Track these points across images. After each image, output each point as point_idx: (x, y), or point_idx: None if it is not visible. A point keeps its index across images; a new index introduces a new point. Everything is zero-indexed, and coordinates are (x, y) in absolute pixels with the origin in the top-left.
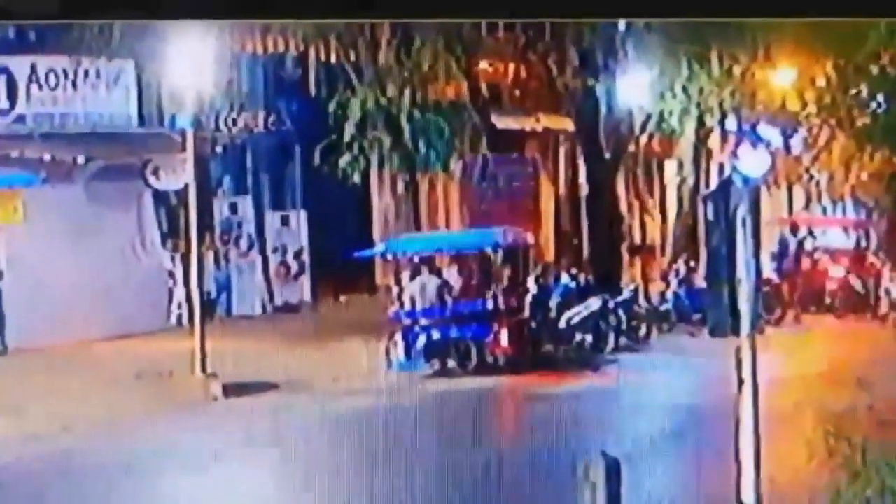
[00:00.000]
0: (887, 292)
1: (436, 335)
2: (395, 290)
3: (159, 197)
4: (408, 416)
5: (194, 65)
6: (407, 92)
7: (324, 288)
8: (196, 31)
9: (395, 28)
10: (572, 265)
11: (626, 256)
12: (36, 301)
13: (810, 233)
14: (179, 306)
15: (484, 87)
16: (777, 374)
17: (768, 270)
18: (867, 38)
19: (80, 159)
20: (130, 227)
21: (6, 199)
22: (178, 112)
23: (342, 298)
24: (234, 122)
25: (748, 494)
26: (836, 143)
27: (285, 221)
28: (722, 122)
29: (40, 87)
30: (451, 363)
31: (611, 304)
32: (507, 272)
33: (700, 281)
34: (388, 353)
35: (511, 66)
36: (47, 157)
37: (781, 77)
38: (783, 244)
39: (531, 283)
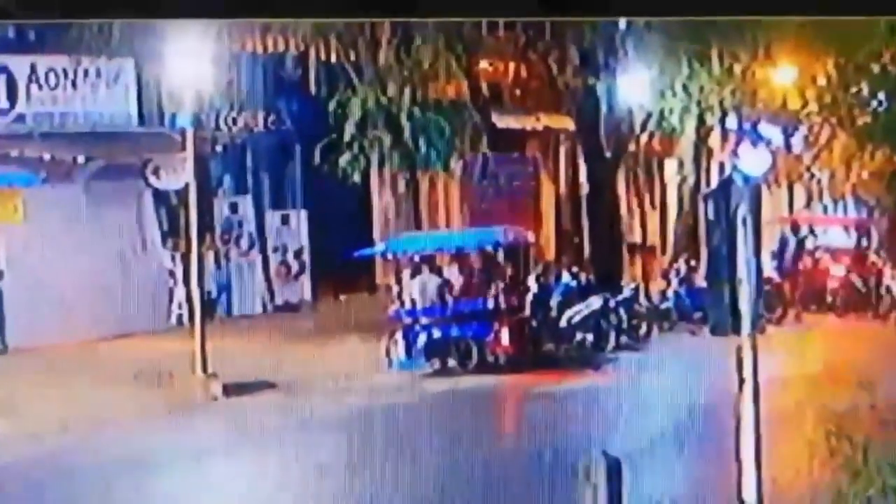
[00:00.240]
0: (888, 291)
1: (436, 334)
2: (395, 289)
3: (159, 196)
4: (408, 416)
5: (194, 64)
6: (407, 91)
7: (324, 287)
8: (196, 30)
9: (395, 27)
10: (573, 264)
11: (626, 255)
12: (36, 301)
13: (811, 231)
14: (180, 306)
15: (484, 86)
16: (778, 374)
17: (769, 269)
18: (868, 37)
19: (80, 159)
20: (130, 226)
21: (6, 199)
22: (178, 111)
23: (342, 297)
24: (235, 121)
25: (749, 493)
26: (836, 142)
27: (285, 221)
28: (722, 121)
29: (40, 86)
30: (452, 362)
31: (611, 303)
32: (507, 271)
33: (701, 280)
34: (388, 352)
35: (511, 65)
36: (47, 156)
37: (782, 75)
38: (784, 243)
39: (532, 282)
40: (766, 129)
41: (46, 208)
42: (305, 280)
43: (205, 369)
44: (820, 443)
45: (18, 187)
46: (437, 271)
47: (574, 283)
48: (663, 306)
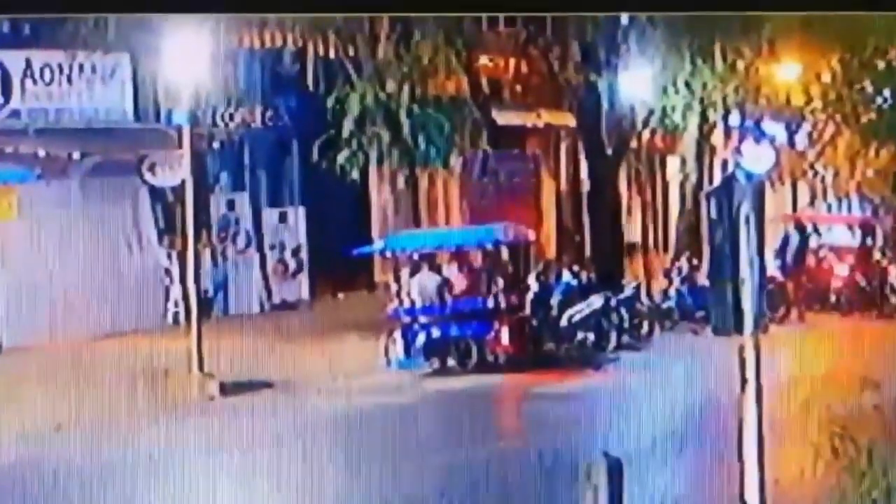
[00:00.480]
0: (893, 290)
1: (435, 333)
2: (394, 287)
3: (155, 193)
4: (407, 415)
5: (191, 60)
6: (406, 87)
7: (322, 285)
8: (193, 25)
9: (394, 22)
10: (574, 262)
11: (627, 254)
12: (30, 299)
13: (815, 230)
14: (176, 304)
15: (484, 82)
16: (781, 374)
17: (772, 268)
18: (873, 33)
19: (76, 155)
20: (126, 224)
21: (0, 195)
22: (175, 107)
23: (341, 296)
24: (231, 117)
25: (752, 495)
26: (841, 139)
27: (283, 218)
28: (725, 118)
29: (35, 81)
30: (451, 361)
31: (613, 302)
32: (507, 269)
33: (703, 279)
34: (387, 351)
35: (512, 61)
36: (42, 152)
37: (786, 72)
38: (787, 241)
39: (532, 281)
40: (769, 126)
41: (41, 205)
42: (303, 278)
43: (201, 368)
44: (824, 443)
45: (13, 184)
46: (437, 269)
47: (575, 282)
48: (665, 305)
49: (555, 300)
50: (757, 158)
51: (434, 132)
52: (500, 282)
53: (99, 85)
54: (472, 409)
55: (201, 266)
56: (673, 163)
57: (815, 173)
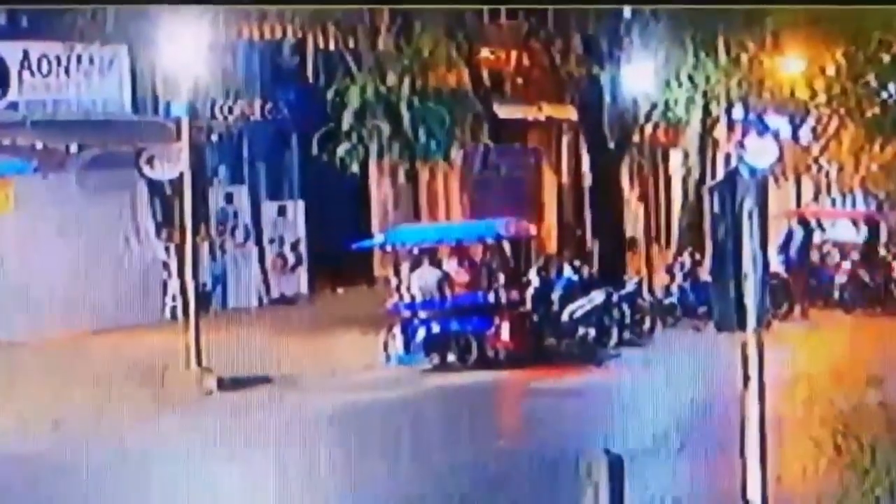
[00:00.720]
0: None
1: (435, 328)
2: (394, 282)
3: (153, 186)
4: (406, 411)
5: (190, 51)
6: (407, 80)
7: (321, 280)
8: (191, 16)
9: (394, 14)
10: (575, 257)
11: (629, 249)
12: (26, 292)
13: (819, 225)
14: (174, 298)
15: (486, 74)
16: (784, 370)
17: (775, 264)
18: (878, 26)
19: (73, 147)
20: (124, 217)
21: None
22: (173, 99)
23: (340, 290)
24: (231, 110)
25: (754, 493)
26: (845, 134)
27: (282, 212)
28: (729, 112)
29: (32, 73)
30: (451, 357)
31: (614, 298)
32: (508, 264)
33: (705, 274)
34: (386, 346)
35: (513, 54)
36: (39, 144)
37: (790, 65)
38: (791, 237)
39: (533, 276)
40: (773, 119)
41: (38, 198)
42: (302, 272)
43: (199, 363)
44: (826, 441)
45: (10, 176)
46: (437, 264)
47: (576, 277)
48: (667, 301)
49: (556, 295)
50: (760, 152)
51: (435, 125)
52: (501, 277)
53: (97, 77)
54: (472, 405)
55: (199, 260)
56: (675, 157)
57: (819, 168)
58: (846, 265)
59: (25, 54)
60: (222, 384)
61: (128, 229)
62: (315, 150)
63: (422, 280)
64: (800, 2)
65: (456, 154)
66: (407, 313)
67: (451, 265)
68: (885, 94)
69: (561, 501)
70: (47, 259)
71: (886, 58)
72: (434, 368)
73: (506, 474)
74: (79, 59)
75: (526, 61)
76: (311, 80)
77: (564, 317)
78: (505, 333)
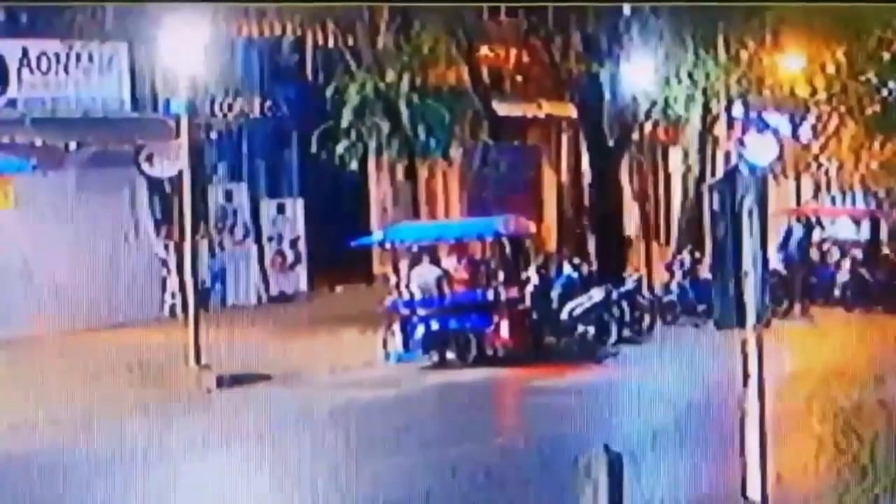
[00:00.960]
0: None
1: (435, 326)
2: (393, 279)
3: (153, 184)
4: (406, 409)
5: (189, 48)
6: (406, 77)
7: (320, 277)
8: (191, 14)
9: (394, 12)
10: (575, 255)
11: (629, 246)
12: (25, 290)
13: (819, 223)
14: (173, 296)
15: (485, 72)
16: (784, 368)
17: (775, 262)
18: (879, 24)
19: (72, 145)
20: (123, 214)
21: None
22: (173, 97)
23: (339, 288)
24: (230, 107)
25: (754, 490)
26: (845, 131)
27: (281, 209)
28: (728, 109)
29: (32, 71)
30: (451, 355)
31: (614, 296)
32: (508, 262)
33: (705, 272)
34: (385, 344)
35: (513, 51)
36: (38, 142)
37: (790, 63)
38: (790, 235)
39: (533, 274)
40: (773, 117)
41: (37, 195)
42: (301, 270)
43: (198, 361)
44: (827, 439)
45: (9, 174)
46: (436, 261)
47: (576, 275)
48: (667, 299)
49: (555, 293)
50: (760, 150)
51: (434, 123)
52: (501, 274)
53: (96, 74)
54: (471, 402)
55: (198, 258)
56: (675, 154)
57: (819, 166)
58: (846, 263)
59: (25, 52)
60: (221, 382)
61: (127, 227)
62: (314, 148)
63: (421, 278)
64: None
65: (455, 151)
66: (406, 311)
67: (450, 263)
68: (885, 92)
69: (560, 499)
70: (46, 257)
71: (887, 55)
72: (433, 366)
73: (505, 472)
74: (78, 56)
75: (525, 59)
76: (310, 78)
77: (564, 314)
78: (504, 331)
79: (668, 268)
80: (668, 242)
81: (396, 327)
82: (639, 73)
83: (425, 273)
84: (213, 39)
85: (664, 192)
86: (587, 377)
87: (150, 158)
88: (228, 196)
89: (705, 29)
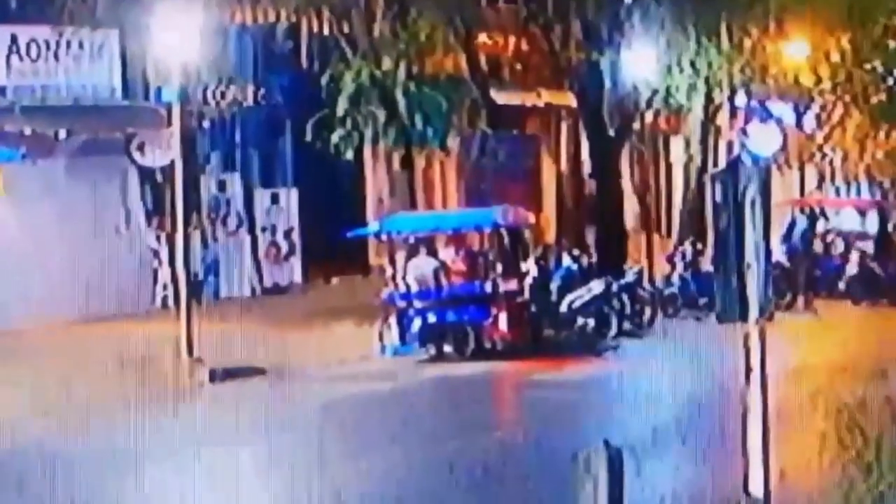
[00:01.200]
0: None
1: (431, 318)
2: (389, 271)
3: (144, 173)
4: (402, 403)
5: (181, 35)
6: (403, 65)
7: (315, 269)
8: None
9: None
10: (574, 246)
11: (629, 238)
12: (14, 281)
13: (823, 214)
14: (165, 287)
15: (483, 60)
16: (787, 363)
17: (778, 254)
18: (884, 12)
19: (62, 133)
20: (114, 204)
21: None
22: (164, 85)
23: (334, 280)
24: (223, 95)
25: (756, 486)
26: (850, 121)
27: (275, 199)
28: (731, 98)
29: (21, 58)
30: (448, 348)
31: (614, 288)
32: (506, 253)
33: (707, 264)
34: (381, 337)
35: (512, 39)
36: (28, 130)
37: (794, 51)
38: (794, 226)
39: (531, 265)
40: (776, 106)
41: (26, 185)
42: (296, 261)
43: (191, 353)
44: (830, 435)
45: None
46: (433, 253)
47: (575, 267)
48: (668, 291)
49: (554, 285)
50: (763, 140)
51: (431, 111)
52: (499, 266)
53: (86, 61)
54: (469, 396)
55: (191, 249)
56: (677, 144)
57: (824, 156)
58: (851, 255)
59: (14, 38)
60: (214, 375)
61: (118, 217)
62: (309, 137)
63: (418, 269)
64: None
65: (453, 141)
66: (402, 303)
67: (447, 254)
68: (890, 81)
69: (559, 494)
70: (36, 247)
71: (892, 44)
72: (430, 359)
73: (503, 467)
74: (68, 43)
75: (524, 46)
76: (304, 66)
77: (563, 307)
78: (502, 324)
79: (670, 259)
80: (669, 234)
81: (393, 320)
82: (640, 61)
83: (422, 265)
84: (206, 26)
85: (665, 182)
86: (587, 371)
87: (141, 147)
88: (221, 186)
89: (708, 16)
